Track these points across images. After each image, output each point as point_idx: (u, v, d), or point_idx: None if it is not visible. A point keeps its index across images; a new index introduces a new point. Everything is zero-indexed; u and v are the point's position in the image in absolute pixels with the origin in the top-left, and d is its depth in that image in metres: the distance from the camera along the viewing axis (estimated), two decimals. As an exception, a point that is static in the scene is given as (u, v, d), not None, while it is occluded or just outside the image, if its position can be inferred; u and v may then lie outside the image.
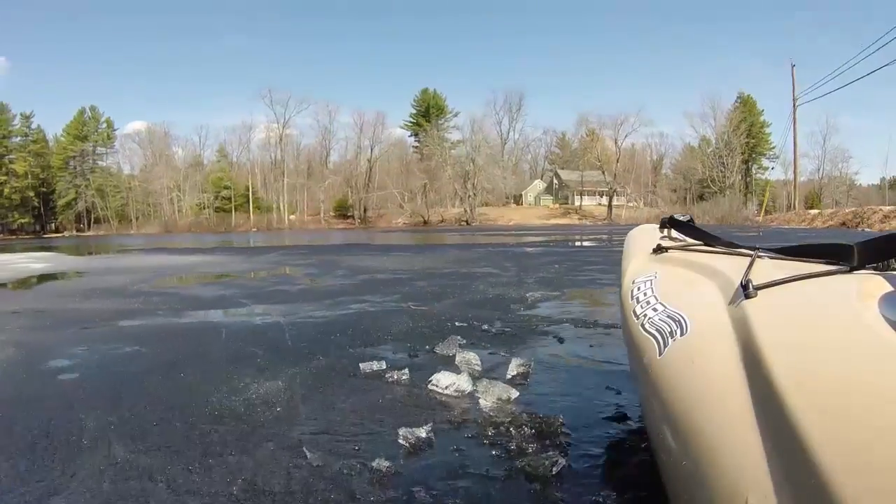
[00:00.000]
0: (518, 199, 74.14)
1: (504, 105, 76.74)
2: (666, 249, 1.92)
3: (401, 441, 1.92)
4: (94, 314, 4.89)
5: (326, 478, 1.69)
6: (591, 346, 3.39)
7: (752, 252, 1.44)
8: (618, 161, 65.20)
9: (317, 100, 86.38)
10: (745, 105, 70.53)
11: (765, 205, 63.74)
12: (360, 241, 21.68)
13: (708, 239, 1.83)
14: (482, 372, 2.70)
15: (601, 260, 10.32)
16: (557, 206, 69.96)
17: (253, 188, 64.98)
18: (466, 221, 57.83)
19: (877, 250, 1.17)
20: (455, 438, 1.98)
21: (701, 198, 65.92)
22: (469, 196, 61.17)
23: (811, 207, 53.16)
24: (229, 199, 63.70)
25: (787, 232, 29.42)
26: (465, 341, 3.33)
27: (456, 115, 74.81)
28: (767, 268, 1.26)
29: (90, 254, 17.76)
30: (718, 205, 57.75)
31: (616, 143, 66.74)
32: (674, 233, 2.18)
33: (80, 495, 1.61)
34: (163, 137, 68.19)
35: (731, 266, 1.35)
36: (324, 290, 6.36)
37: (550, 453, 1.81)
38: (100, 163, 66.86)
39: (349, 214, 64.21)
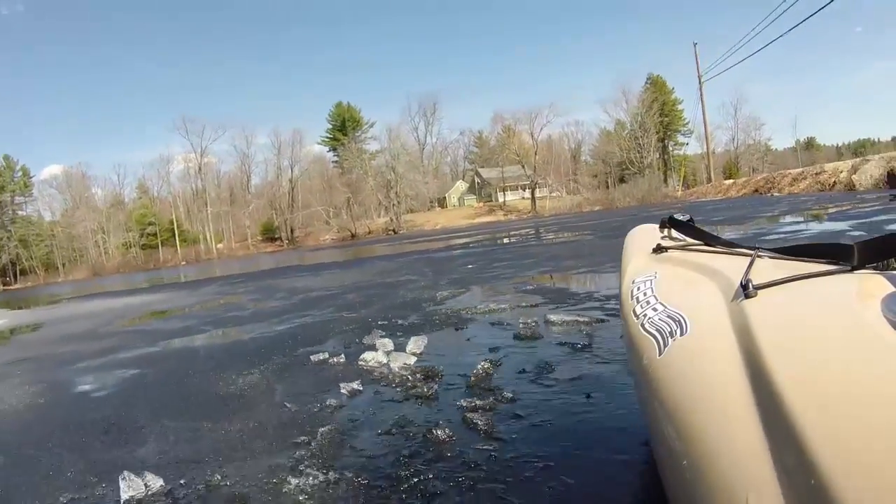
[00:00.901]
0: (442, 202, 75.28)
1: (419, 110, 78.15)
2: (665, 249, 1.95)
3: (342, 391, 3.13)
4: (85, 354, 5.90)
5: (300, 415, 2.87)
6: (476, 329, 4.57)
7: (751, 252, 1.46)
8: (536, 154, 66.77)
9: (232, 125, 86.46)
10: (656, 86, 73.43)
11: (682, 180, 66.46)
12: (291, 262, 22.58)
13: (708, 239, 1.87)
14: (393, 349, 3.86)
15: (511, 256, 11.62)
16: (482, 204, 71.24)
17: (177, 221, 64.37)
18: (393, 230, 58.46)
19: (877, 250, 1.18)
20: (375, 387, 3.19)
21: (622, 180, 67.73)
22: (393, 205, 61.82)
23: (730, 177, 56.04)
24: (155, 234, 62.91)
25: (704, 204, 31.58)
26: (384, 333, 4.49)
27: (372, 126, 75.98)
28: (767, 267, 1.28)
29: (29, 307, 18.11)
30: (638, 185, 59.49)
31: (533, 136, 68.42)
32: (673, 232, 2.22)
33: (162, 444, 2.75)
34: (81, 179, 67.22)
35: (731, 266, 1.38)
36: (269, 310, 7.45)
37: (431, 384, 3.05)
38: (19, 212, 65.62)
39: (276, 237, 64.28)
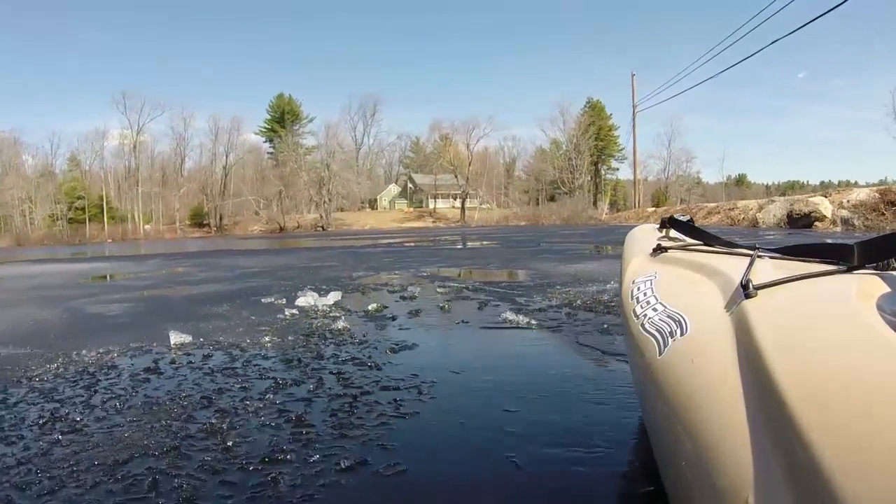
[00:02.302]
0: (373, 204, 76.39)
1: (359, 110, 78.47)
2: (665, 249, 1.95)
3: (285, 314, 5.02)
4: (75, 296, 7.58)
5: (260, 322, 4.75)
6: (376, 293, 6.53)
7: (751, 252, 1.48)
8: (470, 165, 68.16)
9: (172, 105, 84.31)
10: (594, 110, 75.55)
11: (606, 203, 69.28)
12: (222, 247, 24.02)
13: (708, 239, 1.89)
14: (318, 298, 5.73)
15: (424, 255, 13.51)
16: (412, 209, 72.69)
17: (107, 198, 63.36)
18: (322, 227, 59.05)
19: (877, 250, 1.20)
20: (306, 312, 5.07)
21: (552, 199, 69.36)
22: (324, 202, 62.42)
23: (658, 205, 58.72)
24: (83, 209, 61.78)
25: (621, 227, 34.13)
26: (315, 291, 6.37)
27: (311, 121, 76.51)
28: (767, 268, 1.30)
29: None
30: (565, 205, 61.11)
31: (468, 147, 69.79)
32: (673, 233, 2.24)
33: (180, 330, 4.58)
34: (13, 145, 64.91)
35: (731, 266, 1.38)
36: (218, 278, 9.25)
37: (341, 312, 5.01)
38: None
39: (205, 223, 63.93)
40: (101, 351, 3.83)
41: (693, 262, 1.65)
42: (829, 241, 1.56)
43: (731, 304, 1.15)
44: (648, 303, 1.51)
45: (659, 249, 1.97)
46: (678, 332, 1.22)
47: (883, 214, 24.31)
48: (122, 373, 3.27)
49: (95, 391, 2.91)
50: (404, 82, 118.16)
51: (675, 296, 1.45)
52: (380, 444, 2.12)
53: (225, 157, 68.47)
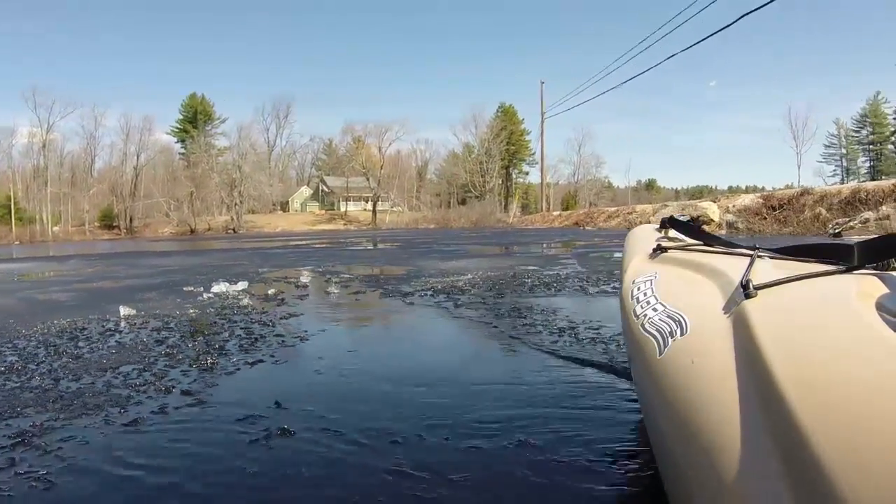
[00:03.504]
0: (285, 206, 76.84)
1: (272, 112, 79.00)
2: (665, 249, 1.96)
3: (203, 297, 6.60)
4: (21, 288, 8.92)
5: (185, 302, 6.29)
6: (276, 283, 8.12)
7: (751, 252, 1.48)
8: (382, 168, 69.69)
9: (83, 103, 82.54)
10: (507, 114, 78.60)
11: (515, 207, 71.50)
12: (135, 249, 25.01)
13: (707, 239, 1.91)
14: (229, 287, 7.25)
15: (326, 256, 15.00)
16: (324, 212, 73.55)
17: (14, 198, 61.33)
18: (233, 230, 59.23)
19: (877, 250, 1.21)
20: (220, 298, 6.61)
21: (463, 202, 71.40)
22: (236, 204, 62.57)
23: (567, 208, 60.87)
24: (-11, 209, 59.70)
25: (526, 230, 36.32)
26: (227, 281, 7.88)
27: (224, 122, 76.45)
28: (767, 268, 1.30)
29: None
30: (474, 208, 63.01)
31: (381, 150, 71.34)
32: (673, 233, 2.27)
33: (128, 304, 6.08)
34: None
35: (731, 266, 1.38)
36: (139, 274, 10.62)
37: (246, 295, 6.62)
38: None
39: (115, 225, 62.99)
40: (69, 320, 5.24)
41: (693, 262, 1.66)
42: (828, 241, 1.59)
43: (731, 304, 1.15)
44: (648, 303, 1.52)
45: (659, 249, 1.99)
46: (678, 332, 1.22)
47: (765, 218, 26.69)
48: (93, 331, 4.72)
49: (79, 340, 4.36)
50: (318, 84, 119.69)
51: (675, 296, 1.46)
52: (272, 356, 3.72)
53: (136, 158, 67.59)
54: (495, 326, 4.63)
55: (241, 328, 4.67)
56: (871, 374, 0.74)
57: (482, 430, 2.29)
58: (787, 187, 36.04)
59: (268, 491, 1.85)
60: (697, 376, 1.05)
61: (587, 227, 38.17)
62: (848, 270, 1.17)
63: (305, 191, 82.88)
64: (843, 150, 77.42)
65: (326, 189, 78.98)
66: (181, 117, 76.43)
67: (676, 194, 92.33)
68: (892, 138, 72.96)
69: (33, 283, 10.11)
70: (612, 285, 7.05)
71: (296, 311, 5.52)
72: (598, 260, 11.41)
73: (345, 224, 65.25)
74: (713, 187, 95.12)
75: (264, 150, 76.60)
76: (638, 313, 1.52)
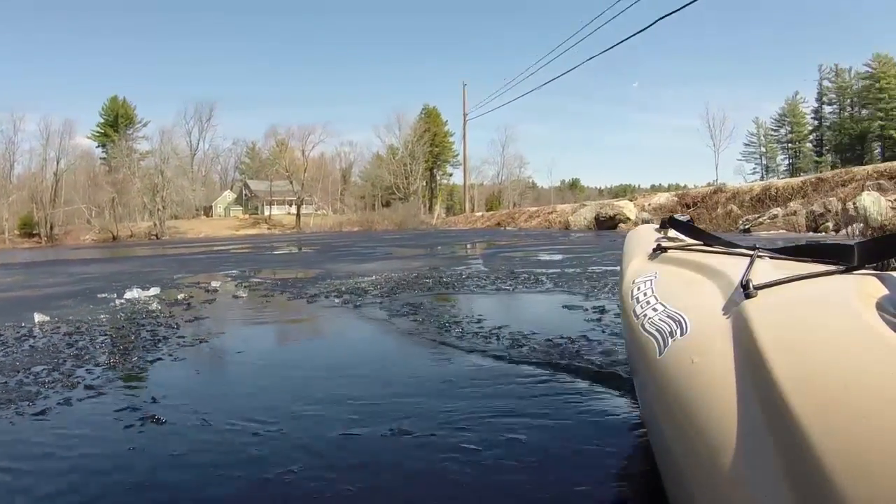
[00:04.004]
0: (208, 211, 75.52)
1: (195, 115, 77.52)
2: (665, 249, 1.97)
3: (118, 302, 7.05)
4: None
5: (100, 305, 6.72)
6: (188, 288, 8.63)
7: (751, 252, 1.49)
8: (306, 171, 69.02)
9: (1, 107, 78.60)
10: (430, 116, 78.87)
11: (439, 209, 72.19)
12: (56, 257, 24.71)
13: (707, 239, 1.91)
14: (141, 293, 7.73)
15: (243, 260, 15.50)
16: (248, 216, 72.36)
17: None
18: (156, 235, 58.04)
19: (877, 250, 1.22)
20: (131, 303, 7.04)
21: (387, 204, 70.75)
22: (158, 209, 61.26)
23: (491, 209, 62.02)
24: None
25: (448, 231, 36.98)
26: (140, 288, 8.35)
27: (146, 125, 74.72)
28: (767, 268, 1.31)
29: None
30: (397, 210, 63.09)
31: (304, 153, 70.61)
32: (673, 233, 2.30)
33: (48, 311, 6.54)
34: None
35: (731, 266, 1.40)
36: (61, 282, 10.91)
37: (157, 300, 7.12)
38: None
39: (35, 233, 60.54)
40: None
41: (693, 262, 1.67)
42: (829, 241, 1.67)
43: (731, 304, 1.16)
44: (648, 303, 1.52)
45: (659, 249, 1.99)
46: (678, 332, 1.23)
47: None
48: (8, 337, 5.11)
49: None
50: (241, 87, 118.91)
51: (674, 296, 1.46)
52: (170, 356, 4.27)
53: (56, 163, 64.99)
54: (391, 322, 5.28)
55: (147, 331, 5.16)
56: (871, 374, 0.75)
57: (354, 413, 2.81)
58: (709, 185, 37.73)
59: (130, 468, 2.33)
60: (697, 376, 1.06)
61: (508, 227, 39.21)
62: (848, 270, 1.18)
63: (229, 195, 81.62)
64: (763, 149, 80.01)
65: (250, 193, 77.97)
66: (102, 121, 74.60)
67: (600, 193, 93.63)
68: (810, 137, 75.87)
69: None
70: (507, 283, 7.78)
71: (200, 315, 6.05)
72: (503, 260, 12.22)
73: (269, 228, 64.50)
74: (636, 186, 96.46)
75: (187, 154, 75.15)
76: (638, 313, 1.54)
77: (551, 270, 9.32)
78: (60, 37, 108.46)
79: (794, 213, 21.45)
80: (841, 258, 1.29)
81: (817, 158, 71.71)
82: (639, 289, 1.70)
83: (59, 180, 63.84)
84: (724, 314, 1.16)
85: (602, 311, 5.24)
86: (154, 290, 7.80)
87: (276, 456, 2.31)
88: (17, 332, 5.31)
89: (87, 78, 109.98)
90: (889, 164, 22.86)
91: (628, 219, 30.04)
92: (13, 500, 2.04)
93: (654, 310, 1.45)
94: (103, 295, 7.87)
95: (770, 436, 0.80)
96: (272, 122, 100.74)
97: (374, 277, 8.86)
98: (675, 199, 31.24)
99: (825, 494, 0.66)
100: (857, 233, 16.80)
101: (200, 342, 4.70)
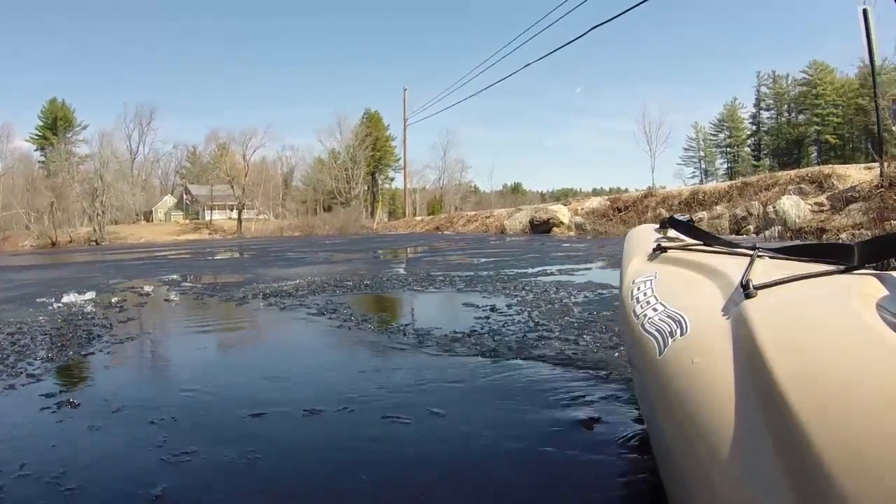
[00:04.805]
0: (148, 216, 74.29)
1: (135, 118, 76.12)
2: (665, 249, 1.97)
3: (55, 306, 7.61)
4: None
5: (40, 309, 7.29)
6: (122, 292, 9.19)
7: (751, 252, 1.49)
8: (247, 175, 68.05)
9: None
10: (372, 121, 78.96)
11: (382, 212, 72.35)
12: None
13: (707, 239, 1.92)
14: (77, 297, 8.26)
15: (176, 266, 15.87)
16: (188, 221, 71.33)
17: None
18: (96, 241, 57.02)
19: (877, 250, 1.23)
20: (68, 307, 7.59)
21: (329, 209, 70.79)
22: (98, 214, 60.23)
23: (433, 213, 62.14)
24: None
25: (386, 236, 37.29)
26: (77, 292, 8.84)
27: (85, 128, 73.62)
28: (767, 267, 1.32)
29: None
30: (339, 215, 62.89)
31: (245, 157, 69.53)
32: (673, 233, 2.30)
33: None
34: None
35: (731, 266, 1.41)
36: (1, 287, 11.40)
37: (91, 303, 7.71)
38: None
39: None
40: None
41: (693, 262, 1.68)
42: (824, 241, 1.63)
43: (731, 304, 1.16)
44: (648, 303, 1.53)
45: (659, 249, 2.00)
46: (678, 332, 1.23)
47: (610, 220, 28.91)
48: None
49: None
50: (182, 90, 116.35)
51: (674, 296, 1.47)
52: (101, 351, 4.92)
53: None
54: (304, 319, 6.03)
55: (84, 330, 5.76)
56: (870, 374, 0.76)
57: (260, 394, 3.50)
58: (638, 190, 38.91)
59: (46, 440, 2.90)
60: (697, 376, 1.06)
61: (446, 231, 39.77)
62: (848, 270, 1.18)
63: (169, 200, 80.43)
64: (702, 153, 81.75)
65: (191, 198, 77.05)
66: (41, 124, 73.24)
67: (542, 197, 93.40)
68: (749, 141, 78.02)
69: None
70: (421, 285, 8.56)
71: (132, 316, 6.69)
72: (424, 264, 13.01)
73: (210, 233, 63.39)
74: (578, 190, 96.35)
75: (127, 158, 73.72)
76: (638, 313, 1.54)
77: (466, 273, 10.14)
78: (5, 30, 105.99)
79: (719, 216, 22.47)
80: (841, 258, 1.30)
81: (755, 162, 73.45)
82: (639, 289, 1.71)
83: (-3, 185, 62.27)
84: (724, 314, 1.17)
85: (493, 309, 6.05)
86: (90, 295, 8.37)
87: (176, 433, 2.83)
88: (-39, 335, 5.88)
89: (26, 80, 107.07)
90: (810, 168, 23.96)
91: (562, 223, 30.80)
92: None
93: (655, 310, 1.46)
94: (41, 299, 8.38)
95: (770, 435, 0.81)
96: (213, 126, 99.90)
97: (303, 280, 9.60)
98: (608, 203, 32.14)
99: (825, 493, 0.67)
100: (777, 235, 17.78)
101: (129, 339, 5.35)
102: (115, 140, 68.72)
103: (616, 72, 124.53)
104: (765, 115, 77.81)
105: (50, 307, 7.59)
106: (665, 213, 26.58)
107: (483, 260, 13.46)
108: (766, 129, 77.21)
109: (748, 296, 1.12)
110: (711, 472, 0.92)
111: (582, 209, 32.45)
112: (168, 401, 3.42)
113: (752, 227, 20.46)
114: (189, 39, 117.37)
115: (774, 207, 19.16)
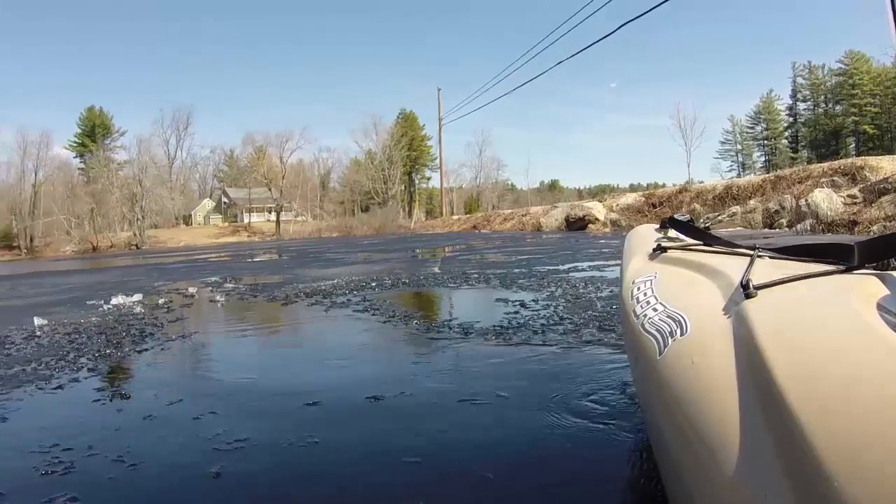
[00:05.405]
0: (187, 220, 75.81)
1: (172, 123, 77.34)
2: (665, 249, 1.97)
3: (105, 307, 7.92)
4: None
5: (90, 310, 7.61)
6: (166, 294, 9.51)
7: (751, 252, 1.48)
8: (284, 177, 68.97)
9: None
10: (407, 120, 79.44)
11: (419, 212, 72.54)
12: (39, 269, 25.39)
13: (708, 239, 1.91)
14: (126, 299, 8.58)
15: (216, 268, 16.34)
16: (227, 224, 72.62)
17: None
18: (136, 245, 58.16)
19: (877, 250, 1.21)
20: (117, 308, 7.91)
21: (366, 209, 71.02)
22: (138, 219, 61.38)
23: (470, 212, 62.01)
24: None
25: (423, 235, 37.54)
26: (124, 295, 9.20)
27: (123, 135, 74.94)
28: (767, 267, 1.31)
29: None
30: (376, 215, 63.09)
31: (282, 159, 70.51)
32: (673, 233, 2.30)
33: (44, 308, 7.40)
34: None
35: (731, 266, 1.40)
36: (48, 292, 11.71)
37: (140, 304, 8.02)
38: None
39: (15, 245, 60.29)
40: None
41: (693, 262, 1.67)
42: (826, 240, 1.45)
43: (731, 304, 1.16)
44: (648, 303, 1.53)
45: (659, 249, 2.00)
46: (678, 332, 1.23)
47: (646, 215, 28.80)
48: (15, 337, 5.96)
49: (4, 344, 5.60)
50: (218, 94, 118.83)
51: (675, 296, 1.47)
52: (155, 347, 5.21)
53: (34, 175, 64.71)
54: (349, 315, 6.26)
55: (136, 329, 6.03)
56: (871, 374, 0.75)
57: (313, 385, 3.90)
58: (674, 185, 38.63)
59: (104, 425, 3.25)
60: (697, 376, 1.06)
61: (483, 230, 39.86)
62: (848, 270, 1.18)
63: (208, 203, 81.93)
64: (739, 146, 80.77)
65: (229, 201, 78.24)
66: (79, 131, 74.83)
67: (579, 194, 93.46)
68: (786, 133, 76.93)
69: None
70: (456, 282, 8.77)
71: (180, 316, 6.96)
72: (460, 263, 13.19)
73: (248, 236, 64.35)
74: (615, 186, 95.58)
75: (165, 162, 75.21)
76: (638, 313, 1.54)
77: (500, 271, 10.33)
78: (36, 47, 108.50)
79: (752, 210, 22.34)
80: (841, 258, 1.29)
81: (793, 155, 72.43)
82: (639, 289, 1.71)
83: (37, 192, 63.42)
84: (724, 314, 1.16)
85: (523, 304, 6.21)
86: (137, 297, 8.67)
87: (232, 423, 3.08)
88: (22, 333, 6.16)
89: (64, 88, 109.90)
90: (843, 160, 23.66)
91: (597, 219, 30.83)
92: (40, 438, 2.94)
93: (655, 310, 1.46)
94: (91, 302, 8.70)
95: (770, 435, 0.81)
96: (249, 130, 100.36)
97: (343, 280, 9.88)
98: (643, 199, 32.01)
99: (825, 494, 0.67)
100: (809, 228, 17.66)
101: (180, 337, 5.60)
102: (152, 145, 69.83)
103: (649, 67, 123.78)
104: (801, 106, 76.56)
105: (100, 308, 7.88)
106: (700, 209, 26.55)
107: (517, 258, 13.58)
108: (803, 120, 75.92)
109: (748, 296, 1.12)
110: (711, 472, 0.92)
111: (617, 205, 32.34)
112: (223, 392, 3.64)
113: (784, 221, 20.35)
114: (223, 43, 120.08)
115: (807, 201, 19.04)
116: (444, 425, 2.81)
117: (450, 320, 5.40)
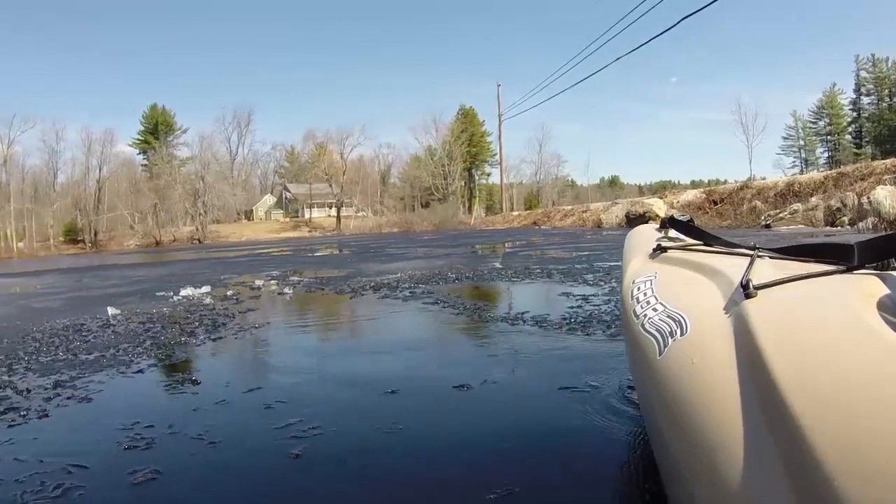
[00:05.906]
0: (249, 215, 77.27)
1: (233, 120, 79.48)
2: (666, 249, 1.97)
3: (175, 298, 8.05)
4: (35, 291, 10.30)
5: (159, 301, 7.73)
6: (235, 286, 9.61)
7: (752, 252, 1.49)
8: (344, 173, 70.21)
9: (43, 117, 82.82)
10: (467, 117, 79.71)
11: (479, 208, 72.61)
12: (105, 262, 26.19)
13: (708, 239, 1.91)
14: (194, 290, 8.68)
15: (279, 262, 16.58)
16: (288, 219, 74.18)
17: None
18: (199, 240, 59.51)
19: (877, 250, 1.21)
20: (187, 299, 8.03)
21: (426, 205, 71.69)
22: (200, 214, 62.99)
23: (530, 208, 62.53)
24: (-50, 227, 58.51)
25: (484, 231, 37.75)
26: (192, 287, 9.32)
27: (185, 132, 77.19)
28: (767, 267, 1.30)
29: None
30: (436, 211, 63.86)
31: (342, 156, 71.74)
32: (673, 233, 2.29)
33: (115, 295, 7.52)
34: None
35: (731, 266, 1.40)
36: (117, 284, 11.98)
37: (209, 295, 8.09)
38: None
39: (79, 239, 62.48)
40: (68, 320, 6.61)
41: (693, 262, 1.67)
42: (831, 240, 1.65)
43: (731, 304, 1.15)
44: (648, 303, 1.53)
45: (659, 249, 2.00)
46: (678, 332, 1.22)
47: (706, 212, 28.62)
48: (92, 326, 6.08)
49: (82, 331, 5.73)
50: (278, 91, 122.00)
51: (675, 296, 1.47)
52: (227, 336, 5.21)
53: (98, 171, 67.12)
54: (420, 308, 6.21)
55: (208, 319, 6.09)
56: (871, 375, 0.75)
57: (387, 373, 3.89)
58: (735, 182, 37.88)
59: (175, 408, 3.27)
60: (697, 376, 1.06)
61: (543, 226, 39.77)
62: (848, 270, 1.18)
63: (269, 199, 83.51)
64: (802, 142, 79.03)
65: (290, 196, 79.41)
66: (142, 129, 76.88)
67: (640, 190, 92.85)
68: (849, 129, 74.91)
69: (23, 295, 11.41)
70: (519, 276, 8.69)
71: (250, 307, 7.00)
72: (521, 258, 13.03)
73: (309, 231, 65.21)
74: (676, 182, 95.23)
75: (226, 159, 77.14)
76: (638, 313, 1.54)
77: (562, 266, 10.24)
78: (100, 47, 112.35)
79: (814, 207, 21.74)
80: (841, 258, 1.29)
81: (857, 150, 70.49)
82: (639, 289, 1.71)
83: (101, 187, 65.74)
84: (724, 314, 1.16)
85: (585, 299, 6.09)
86: (206, 289, 8.76)
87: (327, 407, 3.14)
88: (98, 322, 6.28)
89: (127, 87, 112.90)
90: (905, 157, 22.80)
91: (657, 216, 30.27)
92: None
93: (655, 310, 1.46)
94: (160, 293, 8.87)
95: (770, 436, 0.81)
96: (310, 126, 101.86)
97: (406, 274, 9.87)
98: (703, 195, 31.46)
99: (825, 494, 0.67)
100: (871, 226, 17.12)
101: (253, 327, 5.62)
102: (214, 142, 72.40)
103: (710, 61, 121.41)
104: (865, 100, 74.29)
105: (171, 300, 8.01)
106: (760, 205, 25.91)
107: (578, 254, 13.40)
108: (867, 115, 73.66)
109: (748, 296, 1.11)
110: (711, 472, 0.92)
111: (677, 202, 31.81)
112: (301, 380, 3.63)
113: (846, 219, 19.74)
114: (285, 41, 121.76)
115: (869, 198, 18.41)
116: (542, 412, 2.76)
117: (523, 313, 5.27)
